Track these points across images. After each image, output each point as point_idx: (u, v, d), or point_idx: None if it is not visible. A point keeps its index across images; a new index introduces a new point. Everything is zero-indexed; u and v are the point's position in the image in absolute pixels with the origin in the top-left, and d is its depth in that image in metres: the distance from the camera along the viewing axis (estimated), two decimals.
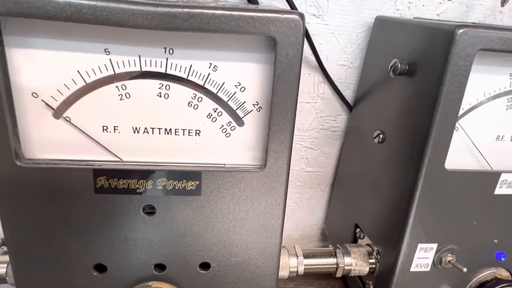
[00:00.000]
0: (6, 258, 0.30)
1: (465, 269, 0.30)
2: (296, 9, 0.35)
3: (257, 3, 0.35)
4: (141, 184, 0.24)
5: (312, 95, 0.41)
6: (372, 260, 0.34)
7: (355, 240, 0.39)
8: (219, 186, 0.25)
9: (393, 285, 0.31)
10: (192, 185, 0.25)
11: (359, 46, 0.39)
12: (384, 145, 0.33)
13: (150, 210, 0.26)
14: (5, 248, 0.35)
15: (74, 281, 0.26)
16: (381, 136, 0.33)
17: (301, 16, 0.22)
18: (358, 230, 0.38)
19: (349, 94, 0.42)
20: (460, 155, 0.30)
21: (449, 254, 0.31)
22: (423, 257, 0.31)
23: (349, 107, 0.42)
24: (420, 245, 0.30)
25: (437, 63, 0.26)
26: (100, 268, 0.27)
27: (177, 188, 0.25)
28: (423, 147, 0.27)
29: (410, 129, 0.29)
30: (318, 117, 0.43)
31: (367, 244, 0.36)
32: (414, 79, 0.29)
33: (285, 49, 0.22)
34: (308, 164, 0.46)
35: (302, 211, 0.49)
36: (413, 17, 0.37)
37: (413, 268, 0.31)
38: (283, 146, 0.25)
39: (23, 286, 0.26)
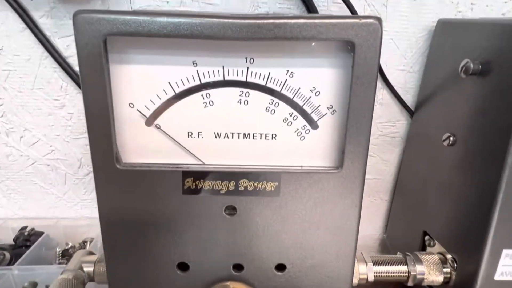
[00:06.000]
0: (93, 257, 0.33)
1: None
2: (356, 14, 0.36)
3: (316, 11, 0.36)
4: (224, 185, 0.26)
5: None
6: (447, 269, 0.33)
7: (423, 248, 0.37)
8: (296, 187, 0.26)
9: None
10: (271, 186, 0.26)
11: (419, 50, 0.39)
12: (455, 148, 0.32)
13: (231, 211, 0.27)
14: (88, 248, 0.38)
15: (159, 278, 0.28)
16: (451, 138, 0.32)
17: (379, 20, 0.23)
18: (427, 237, 0.37)
19: (408, 99, 0.41)
20: None
21: None
22: (509, 264, 0.29)
23: (410, 112, 0.41)
24: (505, 251, 0.29)
25: None
26: (183, 266, 0.28)
27: (257, 189, 0.26)
28: (506, 145, 0.26)
29: (487, 129, 0.28)
30: (376, 123, 0.42)
31: (438, 252, 0.34)
32: (488, 78, 0.28)
33: (363, 52, 0.23)
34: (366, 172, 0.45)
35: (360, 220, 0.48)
36: (479, 18, 0.37)
37: (497, 277, 0.29)
38: (360, 147, 0.25)
39: (115, 281, 0.28)
